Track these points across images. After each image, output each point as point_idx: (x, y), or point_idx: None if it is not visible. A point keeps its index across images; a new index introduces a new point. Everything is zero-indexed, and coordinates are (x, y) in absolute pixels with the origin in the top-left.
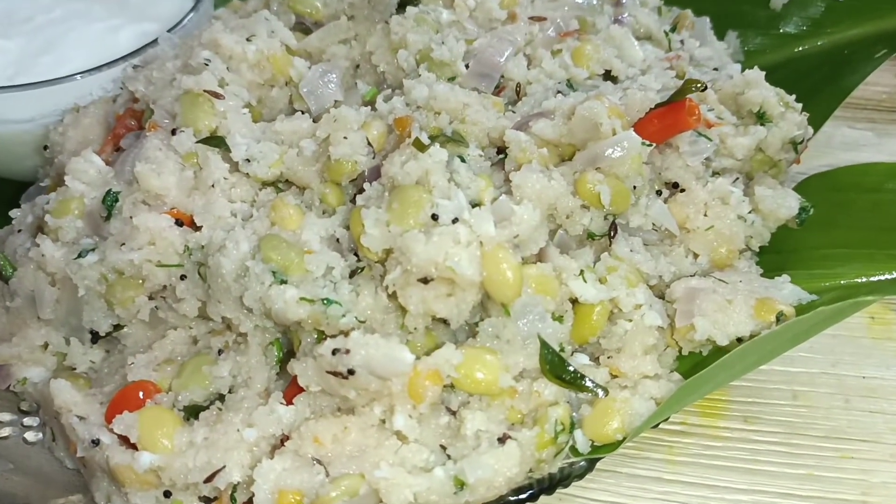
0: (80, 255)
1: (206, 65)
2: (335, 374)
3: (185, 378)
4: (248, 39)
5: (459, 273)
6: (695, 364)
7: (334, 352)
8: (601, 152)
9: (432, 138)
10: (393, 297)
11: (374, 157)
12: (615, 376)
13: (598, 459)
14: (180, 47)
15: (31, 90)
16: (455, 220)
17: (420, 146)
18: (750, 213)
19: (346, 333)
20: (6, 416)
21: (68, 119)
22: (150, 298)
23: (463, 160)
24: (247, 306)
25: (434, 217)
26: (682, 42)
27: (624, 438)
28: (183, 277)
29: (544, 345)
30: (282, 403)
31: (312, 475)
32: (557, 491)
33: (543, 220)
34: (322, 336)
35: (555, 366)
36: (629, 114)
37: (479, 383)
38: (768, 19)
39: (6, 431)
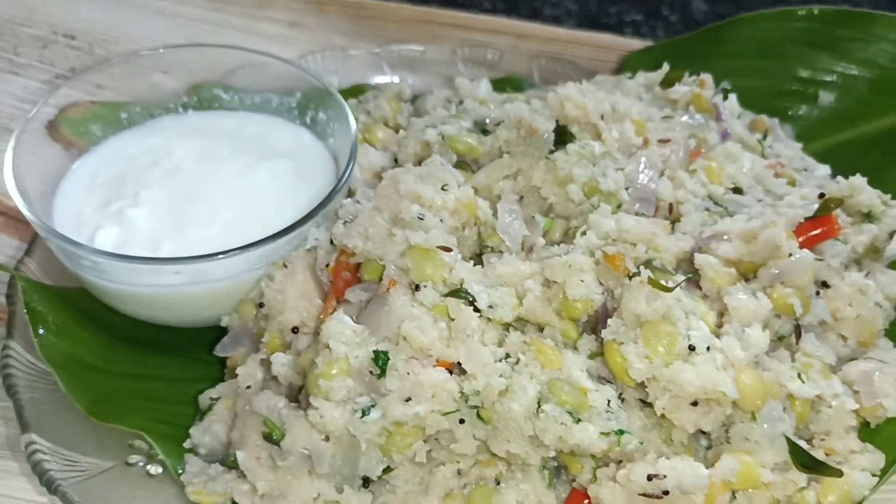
0: (363, 414)
1: (421, 219)
2: (648, 496)
3: None
4: (443, 188)
5: (729, 395)
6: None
7: (650, 477)
8: (785, 270)
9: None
10: (654, 416)
11: (603, 294)
12: (828, 454)
13: None
14: (376, 199)
15: (233, 256)
16: (707, 348)
17: (658, 286)
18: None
19: (629, 456)
20: None
21: (280, 275)
22: (424, 441)
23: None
24: (544, 443)
25: (692, 347)
26: (770, 147)
27: None
28: (461, 421)
29: (790, 441)
30: None
31: None
32: None
33: None
34: (598, 459)
35: (801, 457)
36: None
37: (747, 481)
38: (807, 113)
39: None
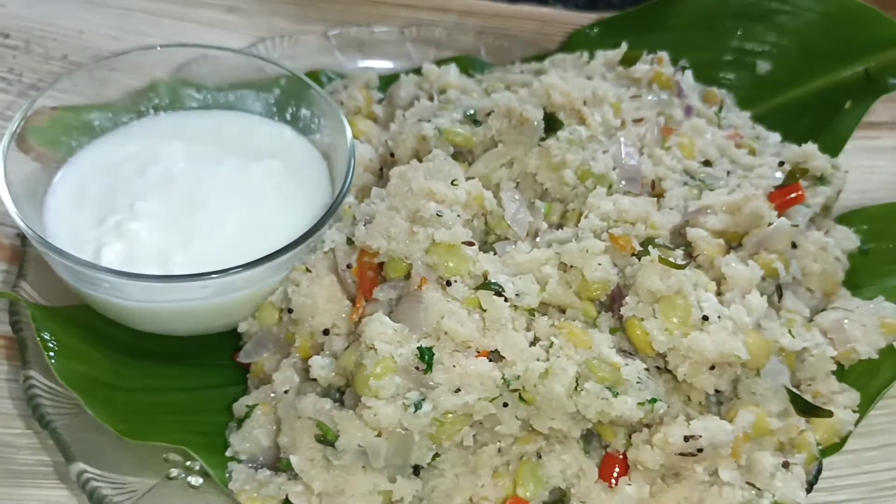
0: (416, 409)
1: (440, 215)
2: (684, 454)
3: (526, 484)
4: (452, 183)
5: (743, 358)
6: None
7: (686, 438)
8: (767, 237)
9: (644, 245)
10: (672, 381)
11: (618, 275)
12: (814, 397)
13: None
14: (389, 198)
15: (258, 266)
16: (718, 317)
17: (669, 264)
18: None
19: (660, 419)
20: None
21: (305, 280)
22: (470, 426)
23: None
24: (585, 417)
25: (705, 318)
26: (724, 118)
27: (842, 441)
28: (505, 405)
29: (789, 391)
30: (628, 485)
31: None
32: None
33: None
34: (631, 425)
35: (800, 403)
36: None
37: (760, 430)
38: (744, 81)
39: None
